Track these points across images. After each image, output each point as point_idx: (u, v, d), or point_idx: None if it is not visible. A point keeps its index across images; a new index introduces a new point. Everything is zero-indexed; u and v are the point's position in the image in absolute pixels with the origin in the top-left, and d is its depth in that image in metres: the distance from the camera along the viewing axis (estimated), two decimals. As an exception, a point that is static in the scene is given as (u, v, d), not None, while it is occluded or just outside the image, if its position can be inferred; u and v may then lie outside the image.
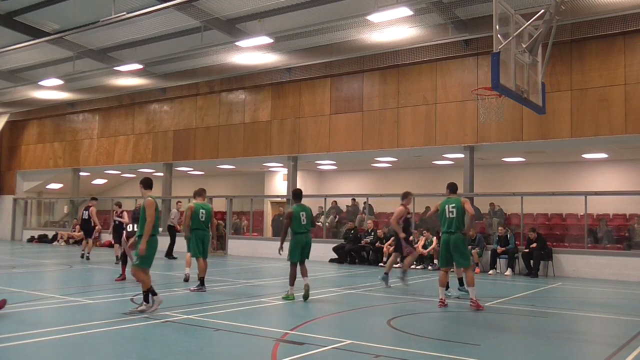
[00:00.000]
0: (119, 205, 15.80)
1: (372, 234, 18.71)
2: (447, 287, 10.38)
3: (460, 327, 8.22)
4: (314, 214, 23.77)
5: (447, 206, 9.56)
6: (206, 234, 11.35)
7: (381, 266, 17.63)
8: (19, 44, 18.45)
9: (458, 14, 15.88)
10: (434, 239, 17.10)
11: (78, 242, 26.35)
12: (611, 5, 14.10)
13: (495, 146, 17.71)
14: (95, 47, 20.31)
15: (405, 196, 12.21)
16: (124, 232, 14.11)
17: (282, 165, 23.05)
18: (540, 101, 10.41)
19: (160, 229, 13.10)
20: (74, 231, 26.94)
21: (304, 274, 10.15)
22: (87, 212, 18.49)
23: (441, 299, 9.61)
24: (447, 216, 9.47)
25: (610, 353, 6.57)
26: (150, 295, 8.32)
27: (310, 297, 10.08)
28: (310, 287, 10.12)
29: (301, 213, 10.28)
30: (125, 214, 15.30)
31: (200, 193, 11.65)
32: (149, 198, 8.32)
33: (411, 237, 12.65)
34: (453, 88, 18.22)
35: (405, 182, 23.19)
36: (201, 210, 11.25)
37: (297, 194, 10.74)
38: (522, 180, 20.82)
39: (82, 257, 17.91)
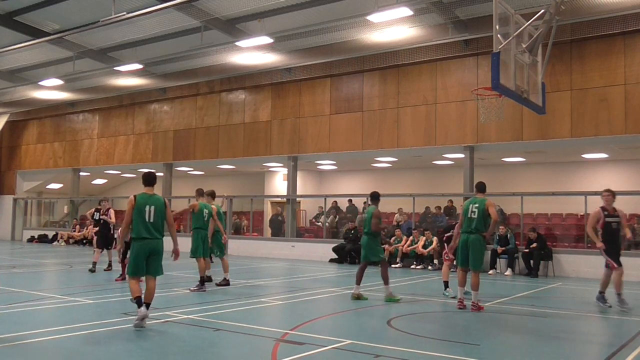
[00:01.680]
0: (106, 201, 14.88)
1: (372, 234, 18.68)
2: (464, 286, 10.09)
3: (460, 327, 8.22)
4: (315, 214, 24.10)
5: (470, 206, 9.38)
6: (207, 234, 11.36)
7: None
8: (19, 44, 18.46)
9: (458, 14, 15.88)
10: (434, 239, 17.10)
11: (78, 242, 26.36)
12: (611, 5, 14.10)
13: (495, 146, 17.71)
14: (95, 47, 20.30)
15: (607, 195, 10.08)
16: (113, 233, 13.91)
17: (282, 165, 23.04)
18: (540, 101, 10.41)
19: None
20: (74, 231, 26.95)
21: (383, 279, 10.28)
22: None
23: (460, 299, 9.39)
24: (469, 216, 9.33)
25: (610, 353, 6.57)
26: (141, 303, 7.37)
27: (311, 297, 10.08)
28: (390, 296, 10.11)
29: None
30: (112, 212, 14.40)
31: (210, 193, 11.78)
32: (132, 195, 7.52)
33: (598, 245, 9.89)
34: (453, 88, 18.22)
35: (405, 182, 23.23)
36: (205, 210, 11.28)
37: (374, 196, 10.60)
38: (522, 180, 20.81)
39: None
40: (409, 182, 23.07)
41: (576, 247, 16.87)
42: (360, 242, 10.62)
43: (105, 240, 14.27)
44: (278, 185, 25.78)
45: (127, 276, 7.62)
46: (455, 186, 19.78)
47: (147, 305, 7.33)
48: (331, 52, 18.74)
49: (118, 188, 34.04)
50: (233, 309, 9.08)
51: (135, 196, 7.44)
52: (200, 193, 11.76)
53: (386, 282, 10.14)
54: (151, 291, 7.46)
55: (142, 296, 7.37)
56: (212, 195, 11.82)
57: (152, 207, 7.39)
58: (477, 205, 9.30)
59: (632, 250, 16.05)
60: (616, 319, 9.20)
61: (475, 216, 9.24)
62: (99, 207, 14.76)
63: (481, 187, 9.63)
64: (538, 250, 15.65)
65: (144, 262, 7.36)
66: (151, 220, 7.37)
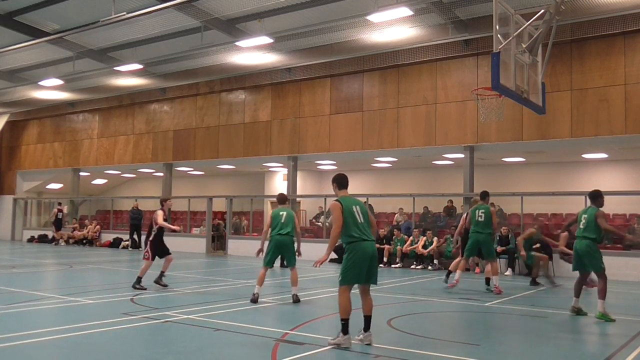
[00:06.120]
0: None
1: (372, 234, 18.67)
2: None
3: (460, 327, 8.22)
4: (315, 214, 24.08)
5: (477, 211, 11.67)
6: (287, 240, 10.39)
7: (381, 267, 17.60)
8: (19, 44, 18.45)
9: (458, 14, 15.88)
10: (435, 239, 17.09)
11: (77, 242, 26.34)
12: (611, 5, 14.10)
13: (495, 146, 17.71)
14: (95, 47, 20.30)
15: None
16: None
17: (282, 165, 23.04)
18: (540, 101, 10.42)
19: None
20: (74, 231, 26.93)
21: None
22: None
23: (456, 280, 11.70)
24: (477, 219, 11.58)
25: (610, 353, 6.57)
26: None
27: (311, 297, 10.04)
28: (604, 313, 8.52)
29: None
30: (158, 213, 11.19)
31: (284, 199, 10.65)
32: (335, 200, 6.54)
33: None
34: (453, 88, 18.22)
35: (405, 182, 23.24)
36: (281, 213, 10.22)
37: (595, 195, 8.96)
38: (522, 180, 20.82)
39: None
40: (409, 182, 23.07)
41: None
42: (576, 248, 8.81)
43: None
44: (278, 185, 25.77)
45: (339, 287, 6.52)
46: (455, 186, 19.77)
47: (369, 320, 6.64)
48: (331, 52, 18.74)
49: (118, 188, 34.04)
50: (233, 309, 9.08)
51: (339, 201, 6.58)
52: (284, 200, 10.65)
53: (602, 295, 8.54)
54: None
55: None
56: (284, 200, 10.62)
57: (358, 207, 6.64)
58: (483, 210, 11.55)
59: (632, 250, 16.04)
60: (616, 319, 9.18)
61: (483, 219, 11.54)
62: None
63: (483, 195, 11.90)
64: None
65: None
66: (361, 221, 6.61)
